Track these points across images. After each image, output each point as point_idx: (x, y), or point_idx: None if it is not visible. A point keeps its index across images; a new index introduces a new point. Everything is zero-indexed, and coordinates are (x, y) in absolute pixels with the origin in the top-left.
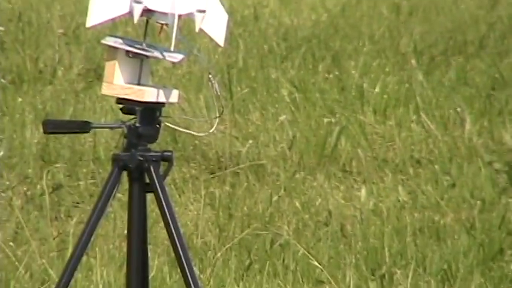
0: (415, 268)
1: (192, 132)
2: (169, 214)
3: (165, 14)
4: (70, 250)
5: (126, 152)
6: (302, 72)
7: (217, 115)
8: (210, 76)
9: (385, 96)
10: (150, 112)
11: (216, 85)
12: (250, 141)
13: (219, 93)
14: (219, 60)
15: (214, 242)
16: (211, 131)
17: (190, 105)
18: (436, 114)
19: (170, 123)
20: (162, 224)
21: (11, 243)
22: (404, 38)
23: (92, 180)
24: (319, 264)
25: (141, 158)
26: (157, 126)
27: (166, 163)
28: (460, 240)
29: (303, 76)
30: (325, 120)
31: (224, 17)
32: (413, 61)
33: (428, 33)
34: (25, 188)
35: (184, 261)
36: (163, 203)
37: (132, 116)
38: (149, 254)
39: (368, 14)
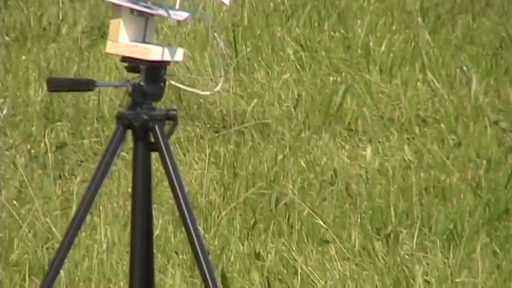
0: (421, 228)
1: (197, 91)
2: (173, 173)
3: None
4: (74, 209)
5: (130, 110)
6: (307, 31)
7: (222, 74)
8: (215, 34)
9: (391, 55)
10: (155, 70)
11: (221, 43)
12: (255, 100)
13: (224, 52)
14: (224, 18)
15: (218, 201)
16: (216, 89)
17: (195, 63)
18: (442, 73)
19: (175, 82)
20: (166, 183)
21: (15, 202)
22: None
23: (96, 139)
24: (324, 223)
25: (146, 117)
26: (162, 84)
27: (171, 122)
28: (466, 200)
29: (308, 34)
30: (331, 79)
31: None
32: (419, 19)
33: None
34: (29, 146)
35: (188, 220)
36: (168, 162)
37: (137, 75)
38: (154, 213)
39: None
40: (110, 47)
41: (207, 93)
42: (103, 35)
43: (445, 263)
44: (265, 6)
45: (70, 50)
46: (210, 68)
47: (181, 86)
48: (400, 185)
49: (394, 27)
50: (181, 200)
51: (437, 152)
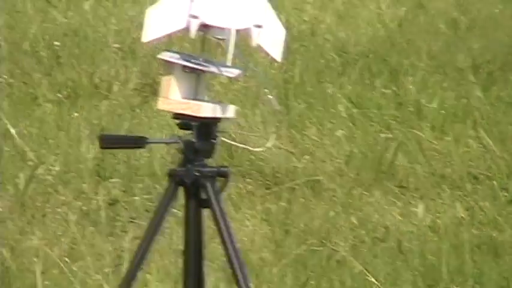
0: (473, 285)
1: (249, 147)
2: (225, 230)
3: (221, 29)
4: (126, 266)
5: (182, 167)
6: (359, 88)
7: (274, 130)
8: (266, 91)
9: (442, 111)
10: (207, 127)
11: (273, 100)
12: (307, 157)
13: (275, 109)
14: (276, 75)
15: (270, 257)
16: (267, 146)
17: (247, 120)
18: (494, 129)
19: (226, 138)
20: (218, 239)
21: (67, 259)
22: (462, 53)
23: (148, 196)
24: (376, 280)
25: (198, 174)
26: (214, 141)
27: (223, 178)
28: None
29: (359, 91)
30: (382, 135)
31: (281, 31)
32: (471, 76)
33: (486, 48)
34: (80, 203)
35: (240, 277)
36: (220, 219)
37: (189, 131)
38: (205, 270)
39: (425, 29)
40: (162, 104)
41: (259, 149)
42: (155, 92)
43: None
44: (317, 63)
45: (122, 107)
46: (262, 125)
47: (233, 143)
48: (452, 242)
49: (445, 84)
50: (233, 257)
51: (489, 209)
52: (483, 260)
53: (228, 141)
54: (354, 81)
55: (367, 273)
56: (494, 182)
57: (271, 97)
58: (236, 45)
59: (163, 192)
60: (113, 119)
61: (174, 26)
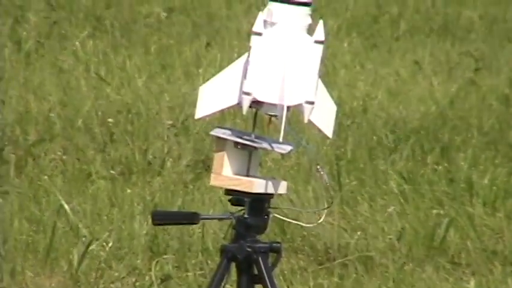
0: None
1: (301, 223)
2: None
3: (274, 105)
4: None
5: (234, 243)
6: (410, 164)
7: (326, 206)
8: (319, 167)
9: (494, 187)
10: (259, 203)
11: (325, 176)
12: (359, 233)
13: (327, 184)
14: (328, 151)
15: None
16: (319, 222)
17: (299, 196)
18: None
19: (279, 215)
20: None
21: None
22: None
23: (201, 272)
24: None
25: (250, 249)
26: (266, 217)
27: (275, 254)
28: None
29: (411, 168)
30: (434, 211)
31: (333, 108)
32: None
33: None
34: (134, 279)
35: None
36: None
37: (241, 207)
38: None
39: (477, 106)
40: (214, 180)
41: (311, 225)
42: (207, 168)
43: None
44: (369, 140)
45: (175, 184)
46: (314, 201)
47: (285, 219)
48: None
49: (497, 161)
50: None
51: None
52: None
53: (281, 217)
54: (405, 158)
55: None
56: None
57: (323, 173)
58: (288, 122)
59: (216, 267)
60: (166, 195)
61: (227, 102)
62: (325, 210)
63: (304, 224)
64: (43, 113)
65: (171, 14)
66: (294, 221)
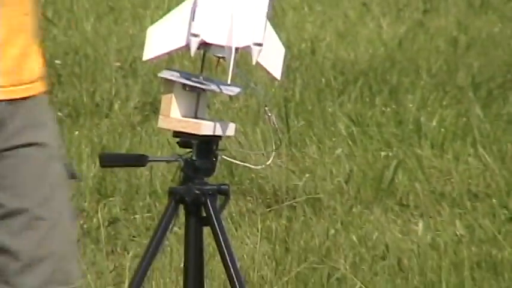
0: None
1: (249, 165)
2: (225, 248)
3: (221, 47)
4: (126, 284)
5: (182, 185)
6: (359, 106)
7: (274, 148)
8: (267, 109)
9: (442, 129)
10: (207, 145)
11: (273, 118)
12: (307, 175)
13: (275, 127)
14: (276, 93)
15: (270, 275)
16: (267, 163)
17: (247, 138)
18: (493, 147)
19: (227, 156)
20: (218, 257)
21: None
22: (462, 71)
23: (148, 214)
24: None
25: (198, 192)
26: (214, 159)
27: (223, 196)
28: None
29: (359, 110)
30: (382, 153)
31: (281, 50)
32: (470, 94)
33: (485, 66)
34: (81, 222)
35: None
36: (220, 237)
37: (189, 150)
38: None
39: (425, 48)
40: (162, 122)
41: (259, 167)
42: (155, 110)
43: None
44: (317, 82)
45: (122, 126)
46: (262, 143)
47: (233, 161)
48: (452, 260)
49: (445, 102)
50: (233, 275)
51: (488, 227)
52: (483, 277)
53: (229, 159)
54: (354, 100)
55: None
56: (494, 200)
57: (271, 115)
58: (236, 64)
59: (164, 210)
60: (114, 138)
61: (175, 44)
62: (273, 152)
63: (252, 166)
64: None
65: None
66: (242, 163)
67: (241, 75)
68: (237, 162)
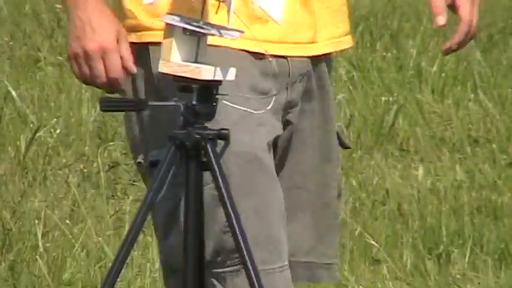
0: (472, 247)
1: (249, 110)
2: (226, 192)
3: None
4: (126, 228)
5: (182, 130)
6: (360, 51)
7: (274, 93)
8: (265, 52)
9: (443, 75)
10: (207, 90)
11: (274, 62)
12: None
13: (275, 70)
14: None
15: None
16: (268, 108)
17: None
18: (494, 93)
19: (227, 101)
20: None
21: (68, 221)
22: None
23: None
24: (376, 243)
25: (198, 136)
26: (214, 104)
27: (223, 141)
28: None
29: (360, 55)
30: (383, 99)
31: None
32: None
33: (486, 11)
34: (81, 166)
35: (241, 241)
36: (220, 181)
37: (189, 94)
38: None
39: None
40: (163, 66)
41: (261, 111)
42: None
43: (496, 282)
44: None
45: None
46: None
47: (234, 106)
48: (451, 205)
49: None
50: (234, 220)
51: (488, 172)
52: (482, 223)
53: (229, 103)
54: (354, 45)
55: (368, 236)
56: (494, 145)
57: (271, 59)
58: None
59: (164, 154)
60: None
61: None
62: (273, 98)
63: (252, 111)
64: None
65: None
66: (241, 107)
67: (242, 20)
68: (237, 107)
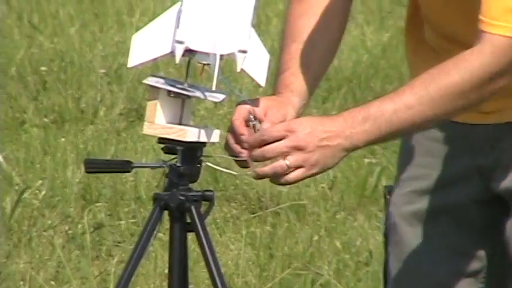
0: None
1: (233, 172)
2: (210, 253)
3: (206, 54)
4: None
5: (167, 191)
6: None
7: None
8: (251, 116)
9: None
10: (192, 151)
11: (258, 125)
12: None
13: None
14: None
15: (255, 281)
16: (251, 171)
17: None
18: None
19: (211, 163)
20: (203, 263)
21: (52, 282)
22: None
23: (133, 220)
24: None
25: (182, 198)
26: (199, 165)
27: (208, 203)
28: None
29: None
30: (366, 160)
31: (266, 57)
32: None
33: None
34: (67, 227)
35: None
36: (204, 243)
37: (174, 156)
38: None
39: None
40: (147, 129)
41: (243, 174)
42: (140, 116)
43: None
44: None
45: (108, 132)
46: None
47: (218, 168)
48: None
49: None
50: (218, 281)
51: None
52: None
53: (213, 166)
54: (338, 107)
55: None
56: None
57: (255, 122)
58: (221, 71)
59: (149, 216)
60: (99, 144)
61: (160, 51)
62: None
63: (235, 173)
64: None
65: None
66: (226, 170)
67: (226, 82)
68: (221, 169)
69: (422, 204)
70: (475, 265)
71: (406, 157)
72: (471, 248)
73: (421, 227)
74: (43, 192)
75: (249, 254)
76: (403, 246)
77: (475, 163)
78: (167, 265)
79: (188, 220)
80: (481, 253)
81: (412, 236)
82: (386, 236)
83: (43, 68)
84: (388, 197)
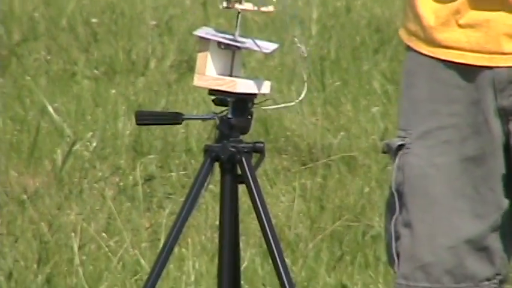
0: None
1: (280, 106)
2: (261, 205)
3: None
4: (162, 241)
5: (218, 143)
6: (394, 64)
7: (305, 78)
8: (296, 39)
9: None
10: (242, 103)
11: (302, 48)
12: (342, 133)
13: (305, 56)
14: (312, 52)
15: (305, 233)
16: (300, 98)
17: (282, 96)
18: None
19: (262, 114)
20: (253, 215)
21: (104, 234)
22: None
23: (184, 172)
24: None
25: (233, 149)
26: (249, 117)
27: (258, 154)
28: None
29: (394, 68)
30: None
31: None
32: None
33: None
34: (117, 179)
35: (275, 253)
36: (255, 194)
37: (224, 107)
38: (241, 245)
39: None
40: (198, 81)
41: (291, 103)
42: (191, 68)
43: None
44: (352, 41)
45: (158, 84)
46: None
47: (268, 107)
48: None
49: None
50: (269, 232)
51: None
52: None
53: (265, 107)
54: (389, 58)
55: None
56: None
57: (300, 45)
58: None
59: (199, 167)
60: (150, 96)
61: None
62: (305, 83)
63: (282, 106)
64: (27, 12)
65: None
66: (274, 106)
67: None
68: (271, 107)
69: (454, 154)
70: (503, 218)
71: (418, 108)
72: (501, 200)
73: (453, 178)
74: (94, 144)
75: (300, 206)
76: (432, 198)
77: (499, 105)
78: (218, 217)
79: (239, 172)
80: (506, 204)
81: (444, 187)
82: (398, 191)
83: (94, 20)
84: (398, 152)
